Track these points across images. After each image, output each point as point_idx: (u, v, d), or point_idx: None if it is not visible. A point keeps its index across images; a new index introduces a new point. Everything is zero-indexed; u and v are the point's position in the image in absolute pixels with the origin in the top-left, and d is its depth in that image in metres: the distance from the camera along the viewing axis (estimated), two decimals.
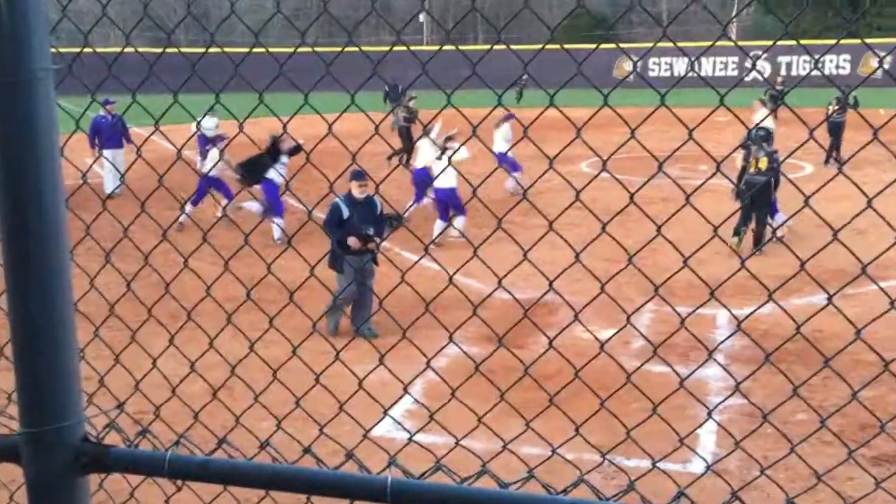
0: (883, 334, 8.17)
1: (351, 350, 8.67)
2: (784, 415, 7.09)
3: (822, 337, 8.76)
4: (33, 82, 1.65)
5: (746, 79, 48.77)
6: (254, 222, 14.42)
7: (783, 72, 47.70)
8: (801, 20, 51.17)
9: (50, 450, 1.79)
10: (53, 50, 1.69)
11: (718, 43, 50.29)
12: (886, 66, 49.65)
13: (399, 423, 4.76)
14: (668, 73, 50.66)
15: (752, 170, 12.78)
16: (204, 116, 18.67)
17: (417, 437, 2.38)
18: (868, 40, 46.96)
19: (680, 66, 50.12)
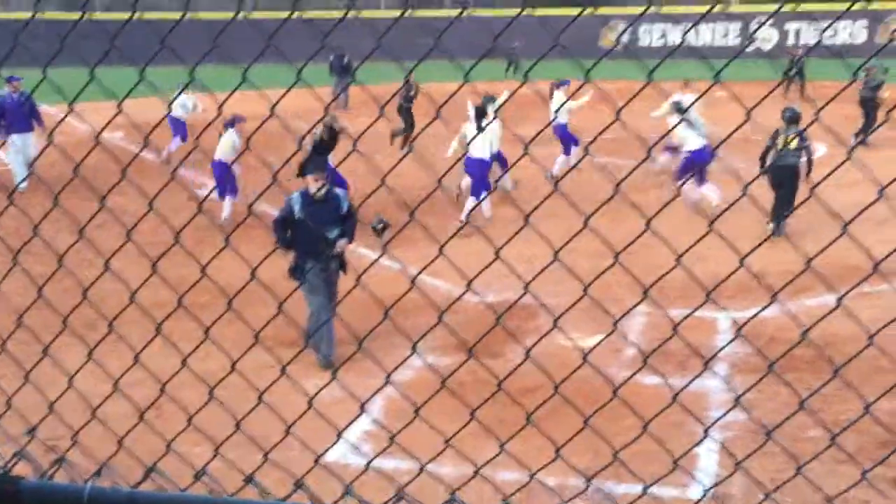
0: None
1: (300, 363, 8.69)
2: (794, 431, 7.19)
3: (838, 341, 8.89)
4: None
5: (749, 49, 49.29)
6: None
7: (791, 40, 48.24)
8: None
9: None
10: None
11: (717, 9, 50.63)
12: None
13: (356, 447, 4.76)
14: (661, 43, 51.03)
15: (780, 149, 13.48)
16: (179, 94, 18.34)
17: (376, 463, 2.39)
18: (886, 4, 47.68)
19: (675, 34, 50.50)
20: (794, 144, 13.44)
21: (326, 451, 3.02)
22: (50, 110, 20.93)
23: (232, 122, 15.21)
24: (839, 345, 8.76)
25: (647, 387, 7.80)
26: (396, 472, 6.26)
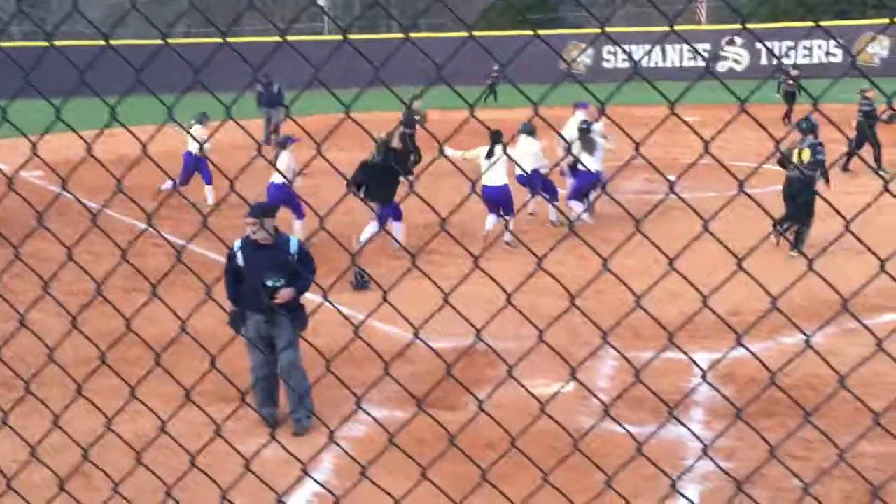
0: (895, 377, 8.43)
1: (241, 420, 8.60)
2: (777, 480, 7.25)
3: (820, 383, 9.00)
4: None
5: (720, 69, 50.14)
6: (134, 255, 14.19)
7: (763, 60, 49.12)
8: None
9: None
10: None
11: (685, 27, 51.57)
12: (885, 52, 51.36)
13: None
14: (626, 64, 51.76)
15: (795, 161, 14.23)
16: (196, 124, 18.00)
17: None
18: (863, 21, 48.84)
19: (642, 54, 51.28)
20: (807, 157, 14.18)
21: None
22: None
23: (284, 144, 15.84)
24: (822, 387, 8.87)
25: (621, 436, 7.82)
26: None
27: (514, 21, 56.62)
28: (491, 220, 15.96)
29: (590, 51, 51.34)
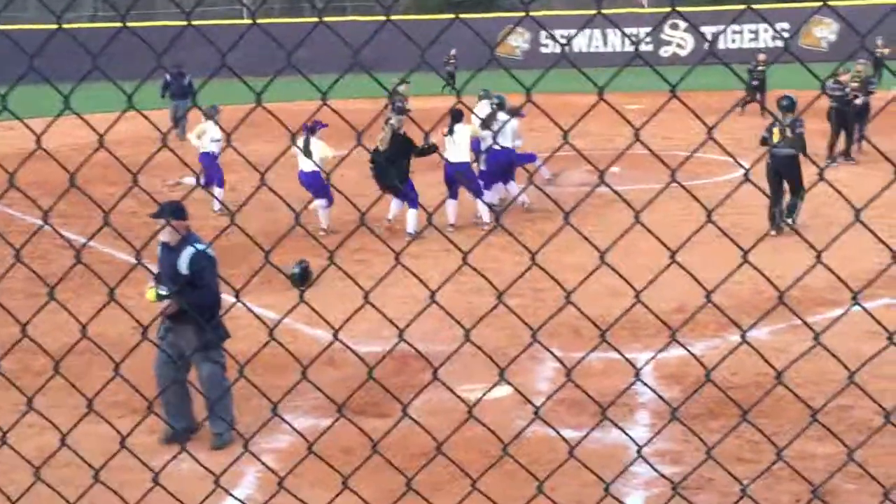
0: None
1: (154, 433, 8.48)
2: (725, 483, 7.35)
3: (769, 382, 9.15)
4: None
5: (664, 54, 50.73)
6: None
7: (707, 45, 49.72)
8: None
9: None
10: None
11: (626, 10, 51.81)
12: (833, 36, 52.20)
13: None
14: (566, 49, 52.07)
15: (776, 140, 15.37)
16: (208, 120, 17.24)
17: None
18: (809, 3, 49.71)
19: (581, 40, 51.64)
20: (789, 134, 15.22)
21: None
22: None
23: (313, 129, 16.27)
24: (771, 386, 9.02)
25: (563, 442, 7.87)
26: None
27: (446, 4, 56.72)
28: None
29: (527, 35, 51.60)
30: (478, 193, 16.67)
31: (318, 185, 16.11)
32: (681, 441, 8.11)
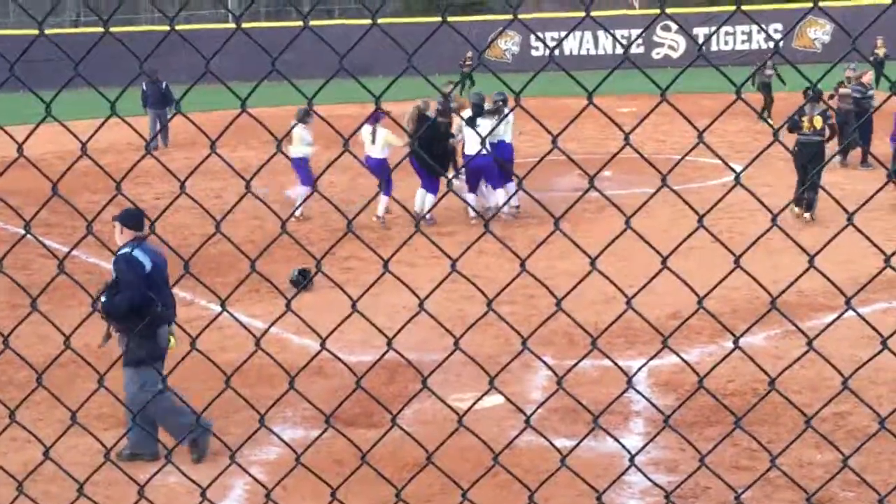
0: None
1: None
2: (721, 492, 7.36)
3: (765, 388, 9.17)
4: None
5: (655, 56, 50.82)
6: None
7: (702, 46, 49.83)
8: None
9: None
10: None
11: (616, 11, 51.73)
12: (827, 38, 52.21)
13: None
14: (556, 53, 52.12)
15: (806, 129, 16.10)
16: (299, 123, 17.07)
17: None
18: (803, 4, 49.86)
19: (572, 43, 51.68)
20: (819, 124, 15.97)
21: None
22: None
23: (377, 118, 16.58)
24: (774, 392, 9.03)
25: (556, 451, 7.88)
26: None
27: (433, 7, 56.77)
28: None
29: (517, 38, 51.67)
30: (496, 186, 17.24)
31: (382, 171, 16.66)
32: (676, 449, 8.12)
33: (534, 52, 51.51)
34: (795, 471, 7.58)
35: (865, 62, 24.93)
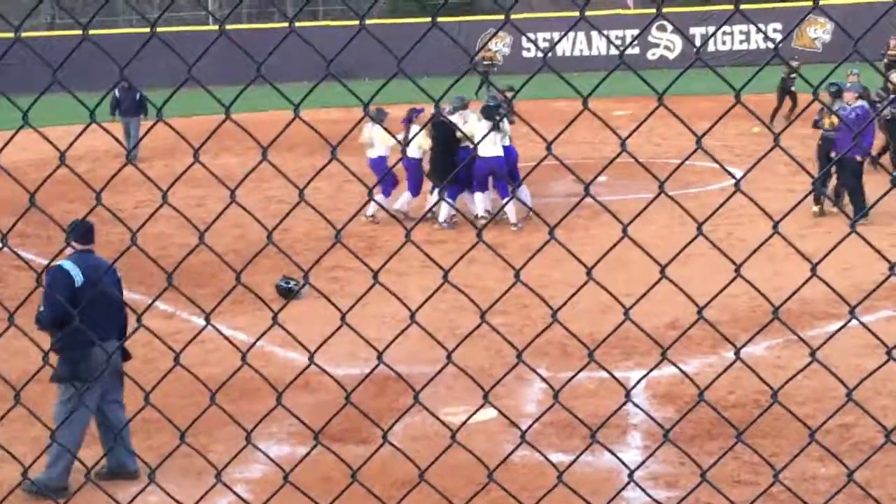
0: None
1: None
2: None
3: (768, 401, 9.17)
4: None
5: (651, 57, 50.90)
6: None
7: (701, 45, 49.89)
8: None
9: None
10: None
11: (611, 11, 51.63)
12: (827, 37, 52.30)
13: None
14: (549, 54, 52.15)
15: (827, 126, 16.97)
16: (375, 124, 17.33)
17: None
18: (803, 2, 50.02)
19: (565, 44, 51.73)
20: (836, 121, 16.58)
21: None
22: None
23: (410, 118, 17.34)
24: (769, 404, 9.04)
25: (551, 466, 7.87)
26: None
27: (421, 8, 56.80)
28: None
29: (507, 39, 51.73)
30: (504, 191, 17.50)
31: (412, 171, 17.42)
32: (676, 464, 8.12)
33: (525, 54, 51.52)
34: (799, 485, 7.59)
35: (867, 63, 24.62)
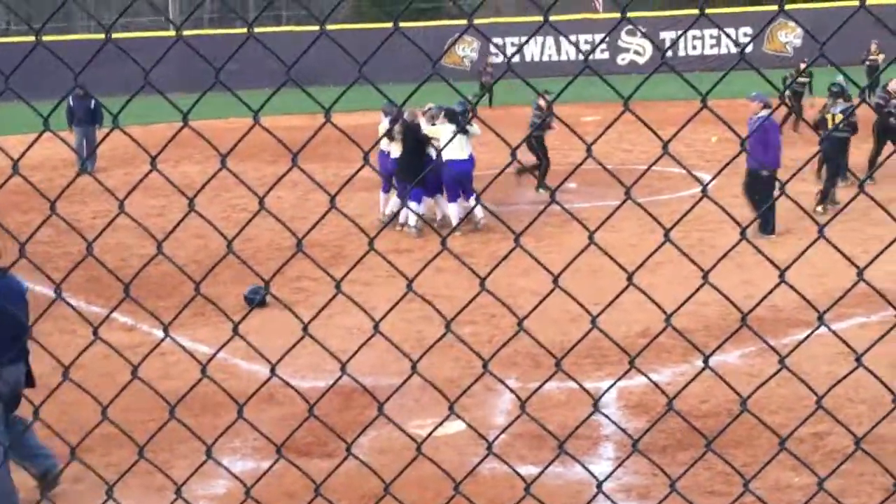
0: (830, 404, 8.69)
1: (82, 480, 8.37)
2: None
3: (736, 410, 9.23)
4: None
5: (621, 62, 51.15)
6: None
7: (668, 52, 50.19)
8: None
9: None
10: None
11: (579, 15, 51.77)
12: (798, 41, 52.72)
13: None
14: (516, 59, 52.33)
15: (830, 126, 17.80)
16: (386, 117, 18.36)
17: None
18: (774, 7, 50.41)
19: (533, 49, 51.88)
20: (839, 120, 17.65)
21: None
22: None
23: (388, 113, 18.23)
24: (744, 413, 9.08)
25: (519, 479, 7.88)
26: None
27: (385, 12, 56.83)
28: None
29: (475, 45, 51.83)
30: (468, 195, 17.63)
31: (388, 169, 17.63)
32: (648, 475, 8.15)
33: (493, 59, 51.66)
34: (773, 494, 7.63)
35: (835, 67, 24.71)
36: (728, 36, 44.68)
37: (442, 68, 48.37)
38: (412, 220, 17.40)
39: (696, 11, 49.38)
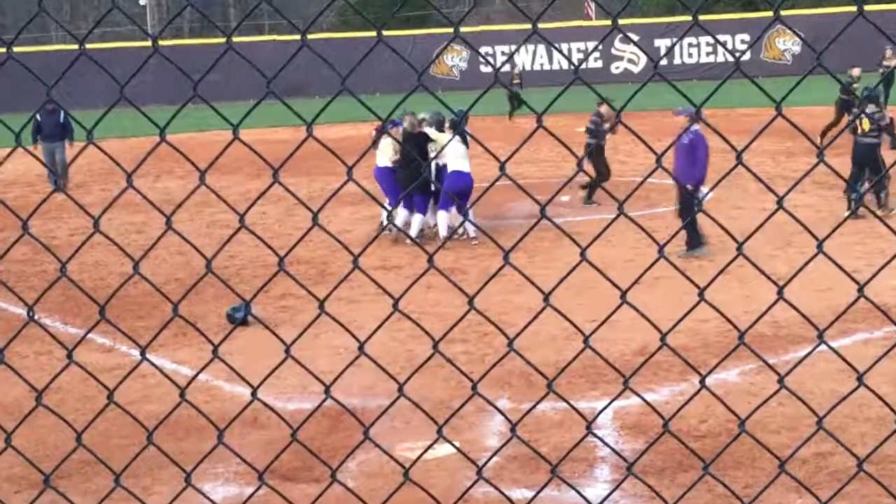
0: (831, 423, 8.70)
1: None
2: None
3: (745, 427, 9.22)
4: None
5: (615, 71, 51.26)
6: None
7: (664, 60, 50.29)
8: None
9: None
10: None
11: (571, 23, 51.88)
12: (796, 48, 52.79)
13: None
14: (506, 68, 52.38)
15: (859, 131, 18.38)
16: (394, 127, 18.11)
17: None
18: (759, 14, 50.57)
19: (525, 57, 51.96)
20: (867, 127, 18.16)
21: None
22: None
23: (383, 129, 16.90)
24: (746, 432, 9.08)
25: (518, 502, 7.87)
26: None
27: (372, 21, 56.86)
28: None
29: (464, 54, 51.93)
30: (461, 209, 17.84)
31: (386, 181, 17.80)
32: (646, 498, 8.14)
33: (483, 69, 51.72)
34: None
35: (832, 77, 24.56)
36: (721, 45, 44.72)
37: (430, 78, 48.46)
38: (414, 230, 17.54)
39: (690, 18, 49.52)
